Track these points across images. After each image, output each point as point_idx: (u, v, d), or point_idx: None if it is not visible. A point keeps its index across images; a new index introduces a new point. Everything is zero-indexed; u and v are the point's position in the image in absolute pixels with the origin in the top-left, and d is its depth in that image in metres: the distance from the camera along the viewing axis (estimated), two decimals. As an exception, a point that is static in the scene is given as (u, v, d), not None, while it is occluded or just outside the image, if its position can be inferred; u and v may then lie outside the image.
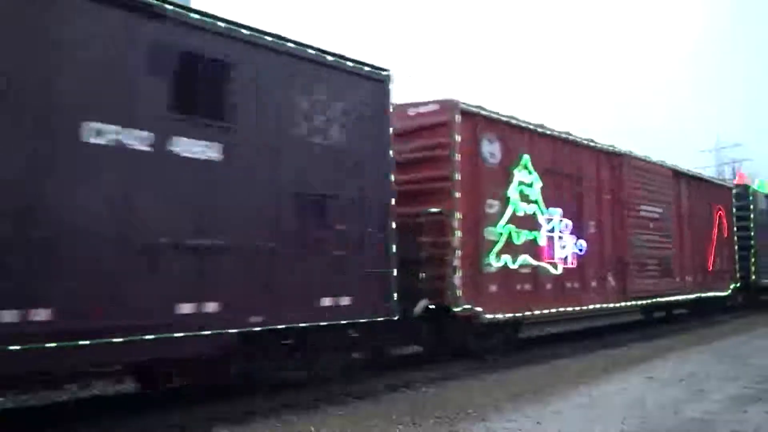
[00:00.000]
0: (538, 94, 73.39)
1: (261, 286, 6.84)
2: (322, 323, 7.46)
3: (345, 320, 7.72)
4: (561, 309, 11.23)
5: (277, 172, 7.13)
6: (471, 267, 9.45)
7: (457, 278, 9.16)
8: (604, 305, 12.44)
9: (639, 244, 13.29)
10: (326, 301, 7.51)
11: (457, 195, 9.32)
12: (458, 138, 9.41)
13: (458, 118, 9.46)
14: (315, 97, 7.65)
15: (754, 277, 20.01)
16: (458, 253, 9.21)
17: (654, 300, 14.11)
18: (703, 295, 16.32)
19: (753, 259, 20.00)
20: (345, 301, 7.69)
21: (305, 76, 7.53)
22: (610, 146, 13.03)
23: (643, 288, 13.39)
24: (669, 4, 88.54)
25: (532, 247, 10.55)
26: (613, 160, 12.95)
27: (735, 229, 18.88)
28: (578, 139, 12.00)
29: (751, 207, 20.34)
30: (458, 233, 9.24)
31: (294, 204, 7.27)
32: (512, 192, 10.26)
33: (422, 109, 9.85)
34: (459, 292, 9.14)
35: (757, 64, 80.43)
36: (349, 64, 8.06)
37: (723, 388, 7.94)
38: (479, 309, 9.41)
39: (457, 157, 9.39)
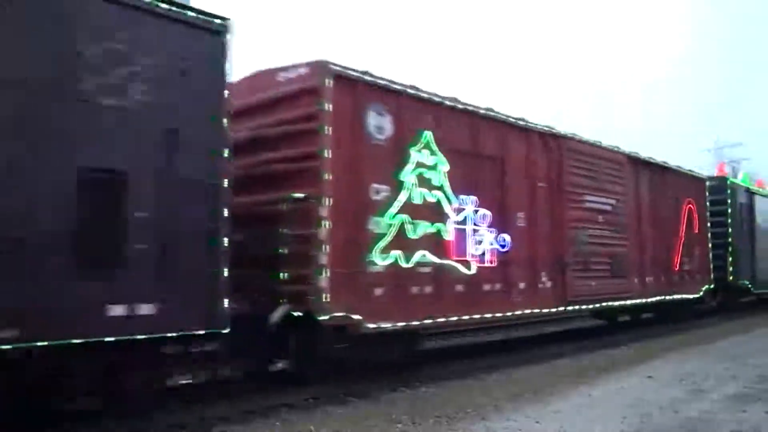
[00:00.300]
0: (535, 93, 72.06)
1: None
2: (108, 338, 5.73)
3: (144, 334, 5.97)
4: (475, 316, 9.45)
5: (42, 140, 5.41)
6: (347, 265, 7.70)
7: (324, 279, 7.40)
8: (537, 311, 10.66)
9: (583, 241, 11.52)
10: (116, 310, 5.77)
11: (328, 177, 7.57)
12: (329, 107, 7.67)
13: (330, 83, 7.71)
14: (111, 45, 5.92)
15: (731, 277, 18.22)
16: (326, 248, 7.46)
17: (603, 304, 12.32)
18: (667, 298, 14.53)
19: (730, 259, 18.21)
20: (145, 309, 5.93)
21: (97, 17, 5.82)
22: (547, 127, 11.27)
23: (589, 291, 11.61)
24: (668, 4, 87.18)
25: (434, 242, 8.79)
26: (551, 142, 11.18)
27: (709, 225, 17.07)
28: (502, 117, 10.24)
29: (729, 201, 18.53)
30: (327, 224, 7.49)
31: (66, 182, 5.54)
32: (408, 175, 8.50)
33: (292, 74, 8.13)
34: (326, 297, 7.39)
35: (757, 64, 79.07)
36: (164, 6, 6.32)
37: (722, 387, 7.89)
38: (357, 317, 7.66)
39: (328, 130, 7.64)
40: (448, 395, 7.71)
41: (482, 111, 9.89)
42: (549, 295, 10.75)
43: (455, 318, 9.04)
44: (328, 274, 7.42)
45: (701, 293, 16.39)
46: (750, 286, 19.74)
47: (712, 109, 70.82)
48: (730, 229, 18.35)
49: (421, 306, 8.55)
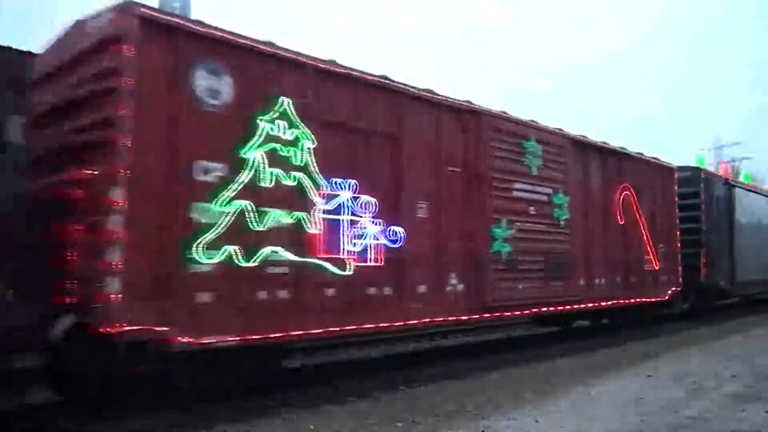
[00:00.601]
0: (534, 92, 70.65)
1: None
2: None
3: None
4: (352, 327, 7.71)
5: None
6: (155, 264, 6.00)
7: (114, 282, 5.69)
8: (444, 319, 8.93)
9: (509, 236, 9.78)
10: None
11: (127, 150, 5.84)
12: (135, 61, 5.95)
13: (135, 29, 6.01)
14: None
15: (705, 278, 16.44)
16: (119, 241, 5.75)
17: (535, 311, 10.57)
18: (624, 301, 12.77)
19: (704, 258, 16.43)
20: None
21: None
22: (466, 102, 9.53)
23: (516, 295, 9.87)
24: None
25: (292, 236, 7.07)
26: (466, 120, 9.43)
27: (678, 220, 15.27)
28: (398, 86, 8.50)
29: (703, 195, 16.74)
30: (121, 211, 5.78)
31: None
32: (253, 151, 6.79)
33: (99, 22, 6.42)
34: (116, 304, 5.68)
35: (758, 63, 77.64)
36: None
37: (722, 387, 7.82)
38: (163, 329, 5.94)
39: (132, 90, 5.91)
40: (448, 394, 7.62)
41: (370, 77, 8.17)
42: (461, 299, 9.02)
43: (319, 330, 7.29)
44: (122, 274, 5.71)
45: (668, 296, 14.60)
46: (728, 287, 17.99)
47: (712, 108, 69.71)
48: (704, 225, 16.57)
49: (273, 316, 6.84)
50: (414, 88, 8.70)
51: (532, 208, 10.34)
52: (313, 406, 6.97)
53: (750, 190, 20.50)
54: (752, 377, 8.37)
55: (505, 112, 10.22)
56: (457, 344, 12.37)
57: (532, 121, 10.79)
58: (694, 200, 16.52)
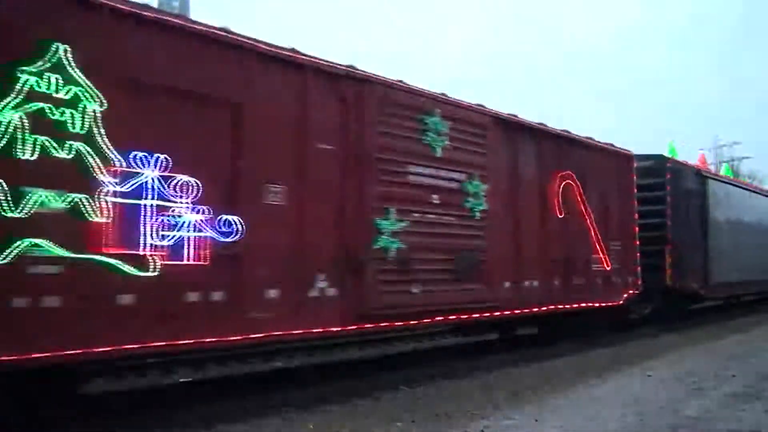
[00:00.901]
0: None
1: None
2: None
3: None
4: (159, 343, 6.02)
5: None
6: None
7: None
8: (306, 331, 7.24)
9: (400, 229, 8.10)
10: None
11: None
12: None
13: None
14: None
15: (671, 280, 14.73)
16: None
17: (441, 319, 8.89)
18: (566, 307, 11.10)
19: (669, 258, 14.72)
20: None
21: None
22: (345, 66, 7.87)
23: (410, 301, 8.20)
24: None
25: (66, 225, 5.42)
26: (344, 88, 7.75)
27: (637, 215, 13.55)
28: (245, 41, 6.82)
29: (669, 187, 15.02)
30: None
31: None
32: (8, 112, 5.13)
33: None
34: None
35: (758, 62, 76.24)
36: None
37: (721, 386, 7.72)
38: None
39: None
40: (448, 394, 7.64)
41: (201, 27, 6.51)
42: (332, 307, 7.36)
43: (110, 348, 5.64)
44: None
45: (623, 300, 12.91)
46: (701, 290, 16.27)
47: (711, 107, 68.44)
48: (669, 221, 14.85)
49: (40, 329, 5.21)
50: (268, 44, 7.04)
51: (435, 197, 8.65)
52: (312, 406, 6.97)
53: (727, 183, 18.79)
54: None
55: (401, 82, 8.55)
56: (457, 344, 12.10)
57: (442, 94, 9.11)
58: (659, 192, 14.81)
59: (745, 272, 18.75)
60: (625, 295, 12.96)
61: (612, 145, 12.98)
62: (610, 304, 12.44)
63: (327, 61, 7.64)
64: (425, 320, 8.60)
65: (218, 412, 6.52)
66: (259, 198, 6.79)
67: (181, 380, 8.69)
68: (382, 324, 8.01)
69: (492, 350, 11.04)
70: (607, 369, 9.15)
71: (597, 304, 12.01)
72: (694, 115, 77.85)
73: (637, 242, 13.40)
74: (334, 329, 7.49)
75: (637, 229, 13.42)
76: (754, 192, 21.58)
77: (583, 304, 11.57)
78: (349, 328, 7.63)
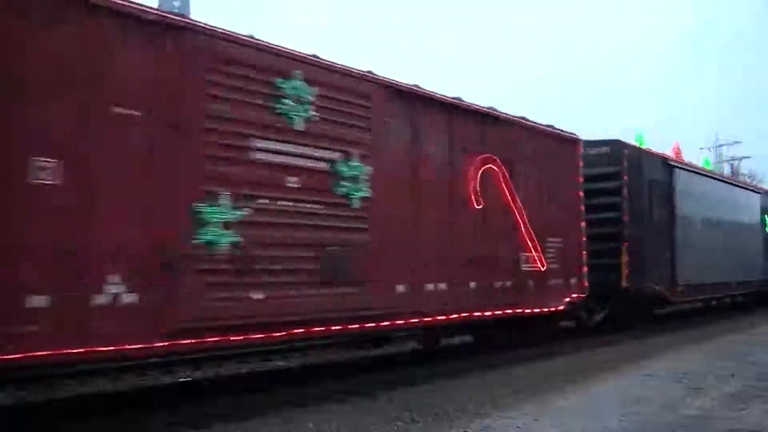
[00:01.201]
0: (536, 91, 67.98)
1: None
2: None
3: None
4: None
5: None
6: None
7: None
8: (90, 351, 5.53)
9: (236, 219, 6.43)
10: None
11: None
12: None
13: None
14: None
15: (628, 282, 13.06)
16: None
17: (301, 331, 7.18)
18: (483, 314, 9.42)
19: (625, 257, 13.04)
20: None
21: None
22: (163, 11, 6.21)
23: (249, 310, 6.51)
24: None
25: None
26: (161, 38, 6.09)
27: (583, 208, 11.84)
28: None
29: (626, 177, 13.32)
30: None
31: None
32: None
33: None
34: None
35: (758, 62, 74.81)
36: None
37: (721, 385, 7.69)
38: None
39: None
40: (448, 393, 7.56)
41: None
42: (130, 319, 5.67)
43: None
44: None
45: (564, 305, 11.24)
46: (666, 292, 14.60)
47: (711, 107, 67.13)
48: (626, 215, 13.16)
49: None
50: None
51: (293, 179, 6.97)
52: (312, 405, 6.99)
53: (699, 173, 17.04)
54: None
55: (252, 37, 6.88)
56: (457, 344, 11.87)
57: (313, 56, 7.43)
58: (614, 183, 13.11)
59: (722, 272, 17.07)
60: (567, 299, 11.28)
61: (552, 126, 11.27)
62: (546, 309, 10.78)
63: (137, 4, 5.98)
64: (277, 333, 6.90)
65: (217, 412, 6.52)
66: (19, 175, 5.15)
67: (180, 380, 8.80)
68: (208, 339, 6.32)
69: (492, 350, 10.63)
70: (607, 368, 9.15)
71: (529, 310, 10.34)
72: (694, 115, 76.23)
73: (584, 239, 11.73)
74: (132, 347, 5.79)
75: (584, 223, 11.75)
76: (730, 184, 19.85)
77: (509, 311, 9.90)
78: (154, 345, 5.93)
